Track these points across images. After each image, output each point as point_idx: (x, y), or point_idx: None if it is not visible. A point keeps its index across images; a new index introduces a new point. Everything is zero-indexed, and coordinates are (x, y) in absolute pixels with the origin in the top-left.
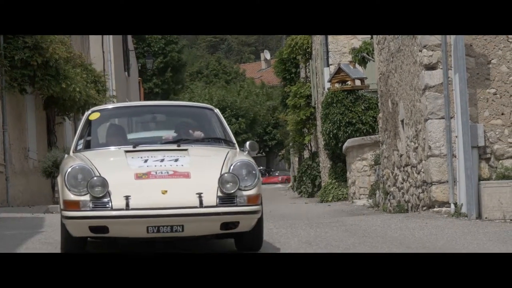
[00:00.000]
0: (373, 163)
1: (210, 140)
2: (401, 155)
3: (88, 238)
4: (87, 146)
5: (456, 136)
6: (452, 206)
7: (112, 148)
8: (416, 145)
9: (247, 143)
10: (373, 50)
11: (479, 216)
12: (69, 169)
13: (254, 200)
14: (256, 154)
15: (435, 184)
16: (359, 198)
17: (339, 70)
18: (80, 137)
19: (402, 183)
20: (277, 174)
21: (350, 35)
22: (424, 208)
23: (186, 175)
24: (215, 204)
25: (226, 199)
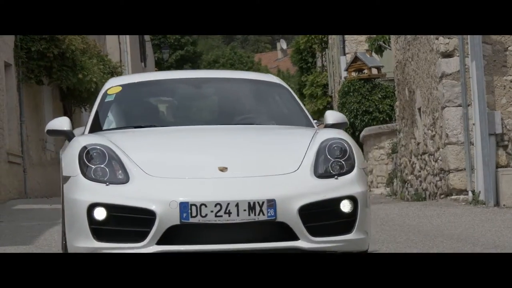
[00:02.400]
0: (390, 151)
1: None
2: (418, 143)
3: None
4: None
5: (474, 124)
6: (470, 193)
7: None
8: (434, 133)
9: None
10: (389, 39)
11: (497, 203)
12: None
13: None
14: None
15: (452, 172)
16: (377, 187)
17: (355, 59)
18: None
19: (420, 171)
20: None
21: None
22: (442, 196)
23: None
24: None
25: None
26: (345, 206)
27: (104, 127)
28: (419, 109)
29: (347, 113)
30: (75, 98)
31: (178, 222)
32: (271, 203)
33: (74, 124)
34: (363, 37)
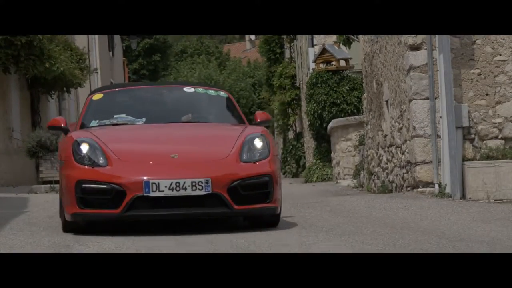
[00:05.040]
0: (357, 143)
1: None
2: (385, 136)
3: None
4: None
5: (441, 117)
6: (436, 186)
7: None
8: (401, 125)
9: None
10: None
11: (463, 196)
12: None
13: None
14: None
15: (419, 165)
16: (344, 179)
17: (323, 51)
18: None
19: (387, 164)
20: None
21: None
22: (408, 188)
23: None
24: None
25: None
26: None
27: None
28: (387, 101)
29: (315, 105)
30: (42, 86)
31: None
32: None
33: (41, 113)
34: None
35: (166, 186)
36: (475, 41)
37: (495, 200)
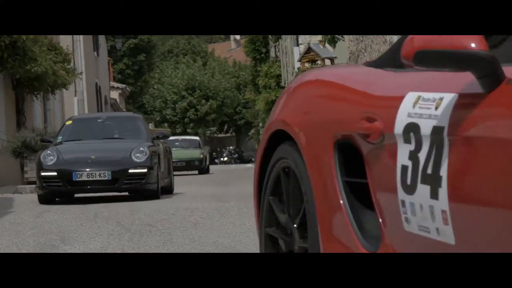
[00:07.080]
0: None
1: None
2: None
3: None
4: None
5: None
6: None
7: None
8: None
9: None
10: None
11: None
12: None
13: None
14: (225, 133)
15: None
16: None
17: (309, 50)
18: None
19: None
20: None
21: None
22: None
23: None
24: None
25: None
26: None
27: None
28: None
29: None
30: (27, 87)
31: None
32: None
33: (26, 113)
34: None
35: None
36: None
37: None
